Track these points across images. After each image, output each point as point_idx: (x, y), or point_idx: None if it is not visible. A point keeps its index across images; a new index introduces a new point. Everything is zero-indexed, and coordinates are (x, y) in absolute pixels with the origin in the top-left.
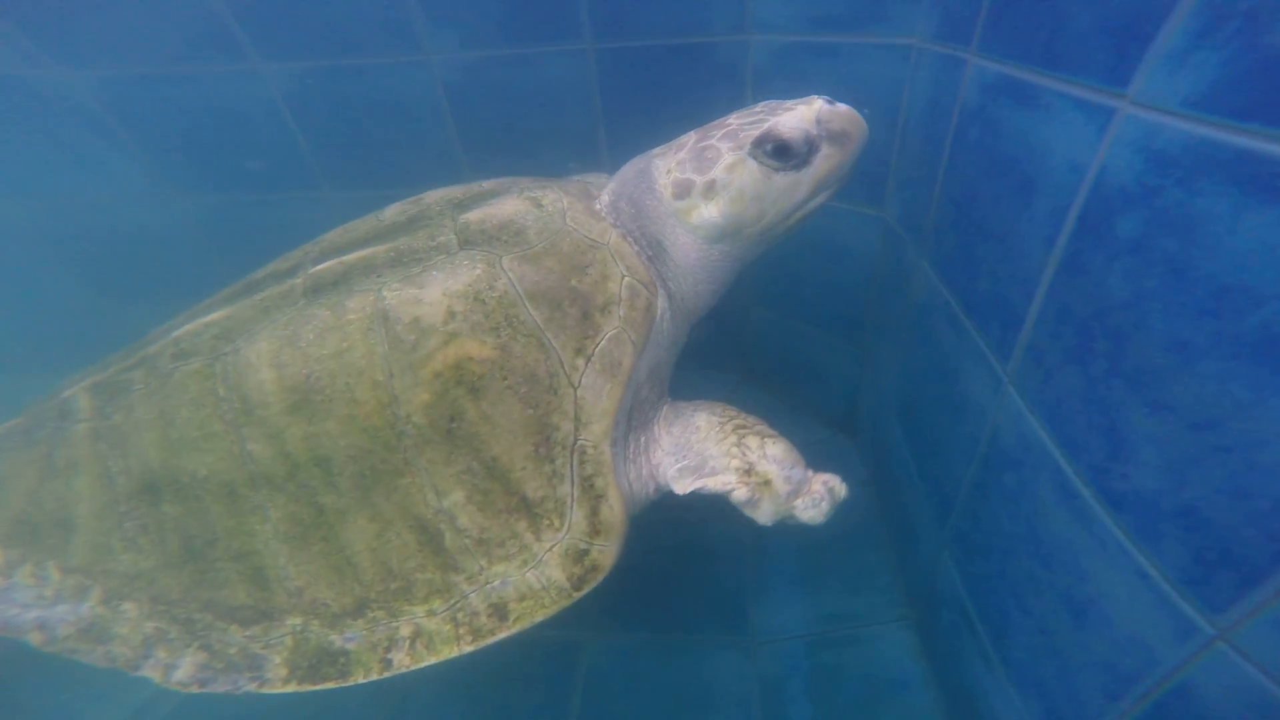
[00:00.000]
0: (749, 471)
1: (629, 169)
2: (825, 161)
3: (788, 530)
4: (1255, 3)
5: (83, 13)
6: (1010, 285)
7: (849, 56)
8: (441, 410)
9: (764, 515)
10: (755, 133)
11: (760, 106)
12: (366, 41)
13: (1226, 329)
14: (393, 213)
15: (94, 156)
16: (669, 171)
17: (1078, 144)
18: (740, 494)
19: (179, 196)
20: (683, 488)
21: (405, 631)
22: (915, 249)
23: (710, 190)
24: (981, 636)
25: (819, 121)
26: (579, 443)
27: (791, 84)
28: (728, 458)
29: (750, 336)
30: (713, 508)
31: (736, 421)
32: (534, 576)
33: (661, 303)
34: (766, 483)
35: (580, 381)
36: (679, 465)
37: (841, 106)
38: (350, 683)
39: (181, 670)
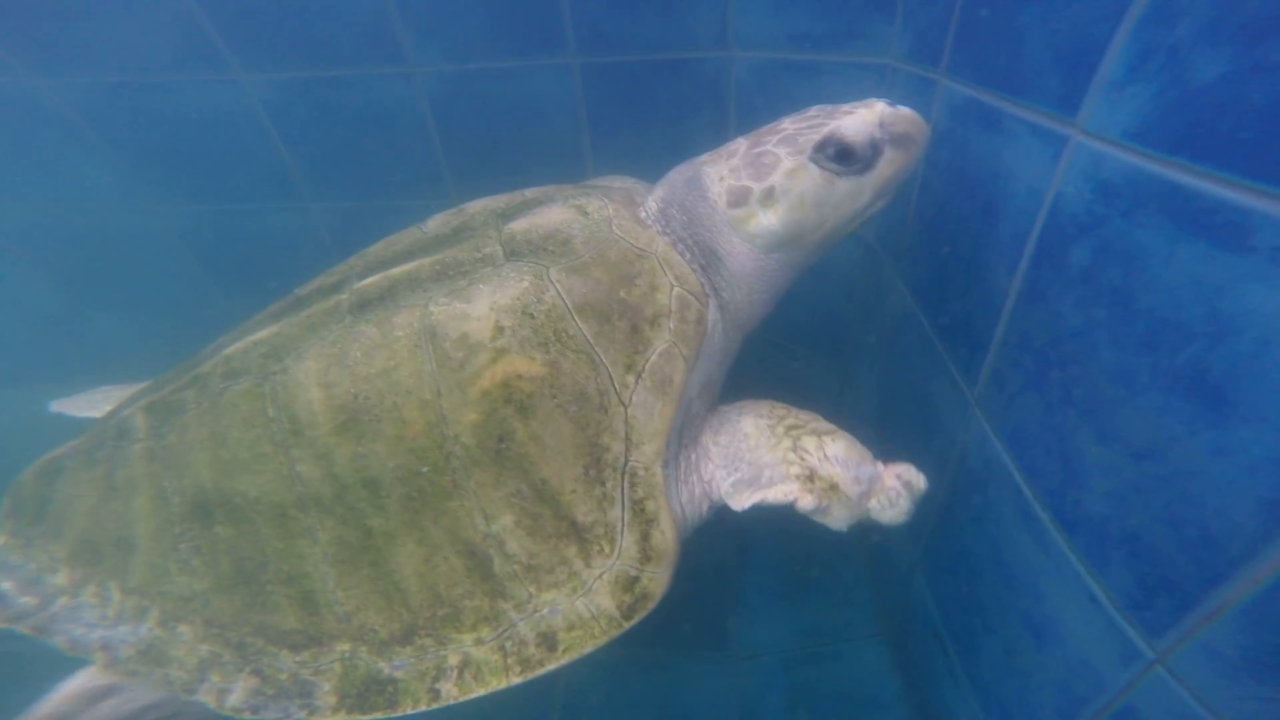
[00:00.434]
0: (812, 477)
1: (677, 175)
2: (889, 165)
3: (767, 546)
4: (1177, 39)
5: (60, 21)
6: (977, 309)
7: (828, 74)
8: (490, 430)
9: (837, 521)
10: (816, 137)
11: (813, 111)
12: (350, 53)
13: (1163, 363)
14: (435, 224)
15: (69, 165)
16: (721, 179)
17: (1036, 170)
18: (806, 503)
19: (156, 206)
20: (740, 503)
21: (453, 660)
22: (892, 269)
23: (769, 197)
24: (951, 655)
25: (882, 124)
26: (630, 464)
27: (773, 100)
28: (785, 464)
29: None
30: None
31: (788, 421)
32: (583, 605)
33: (713, 314)
34: (833, 487)
35: (631, 399)
36: (732, 479)
37: (904, 109)
38: (398, 713)
39: (235, 695)
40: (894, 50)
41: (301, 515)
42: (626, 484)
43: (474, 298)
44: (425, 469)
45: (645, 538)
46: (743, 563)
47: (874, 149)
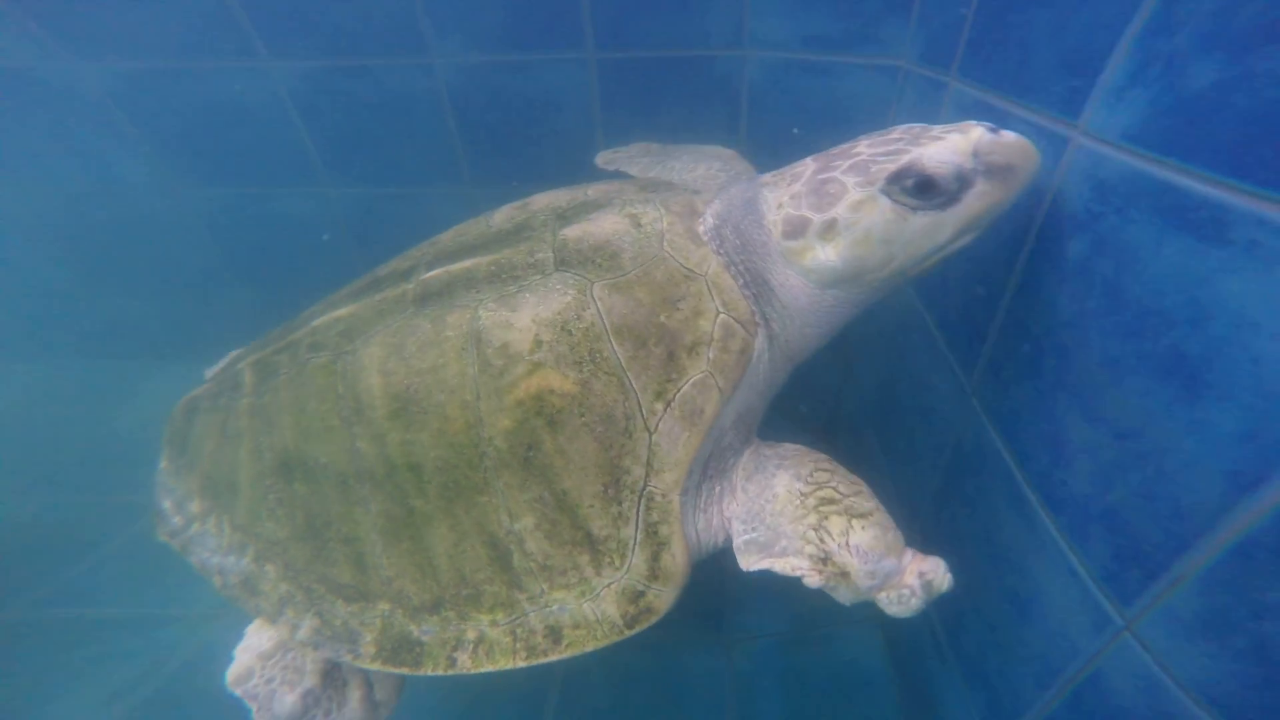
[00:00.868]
0: (826, 560)
1: (736, 194)
2: (979, 200)
3: None
4: (1174, 48)
5: (101, 6)
6: (976, 301)
7: (840, 75)
8: (520, 438)
9: (842, 598)
10: (892, 166)
11: (897, 132)
12: (374, 43)
13: (1147, 348)
14: (501, 218)
15: (97, 148)
16: (780, 206)
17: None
18: (813, 582)
19: (181, 189)
20: (747, 564)
21: (470, 635)
22: None
23: (829, 230)
24: (939, 635)
25: (976, 154)
26: (648, 489)
27: (786, 100)
28: (803, 540)
29: None
30: None
31: (823, 493)
32: (590, 608)
33: (760, 343)
34: (845, 574)
35: (657, 427)
36: (746, 536)
37: (1009, 135)
38: (421, 673)
39: (302, 630)
40: (907, 53)
41: (358, 486)
42: (643, 507)
43: (519, 306)
44: (461, 464)
45: (655, 558)
46: None
47: (961, 182)
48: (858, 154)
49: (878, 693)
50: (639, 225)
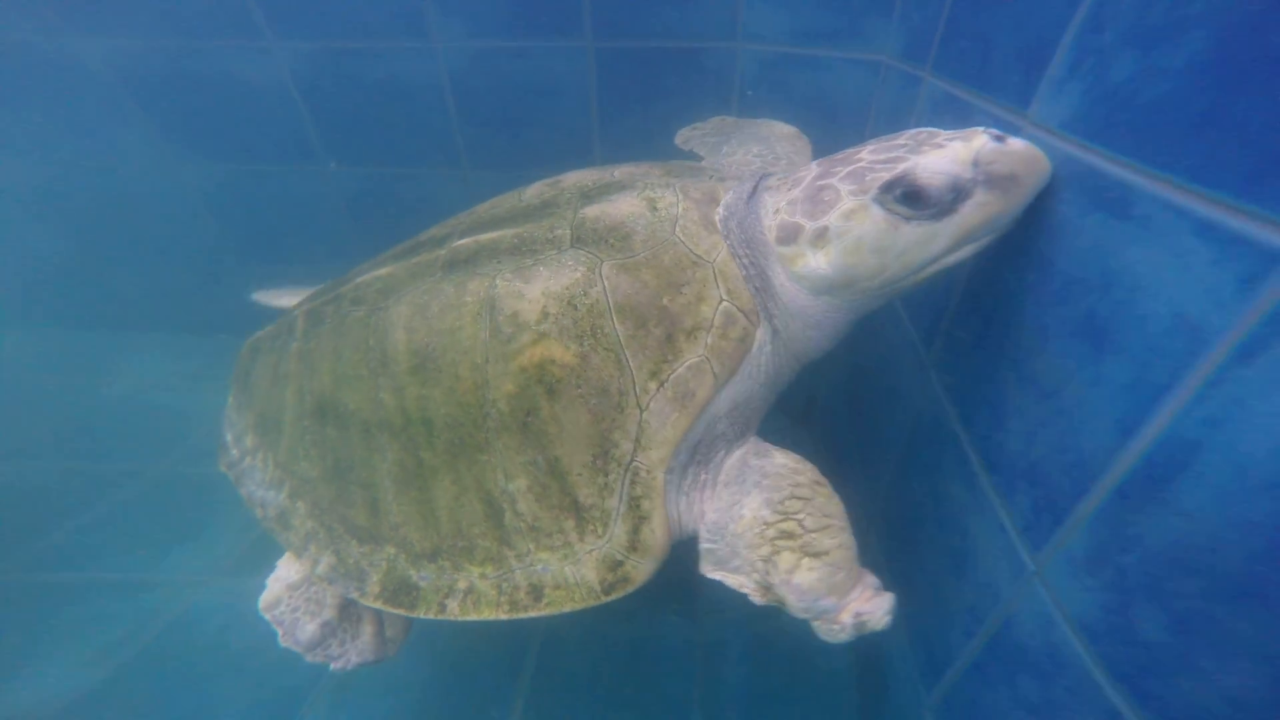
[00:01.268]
0: (768, 589)
1: (744, 190)
2: (978, 211)
3: None
4: (1103, 43)
5: None
6: (940, 281)
7: (826, 69)
8: (521, 403)
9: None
10: (886, 175)
11: (904, 137)
12: (378, 26)
13: (1068, 313)
14: (532, 193)
15: (98, 123)
16: (777, 210)
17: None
18: (756, 601)
19: (180, 165)
20: (705, 570)
21: (461, 585)
22: None
23: (820, 238)
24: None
25: (977, 163)
26: (634, 464)
27: (776, 93)
28: (750, 568)
29: None
30: None
31: (785, 526)
32: (571, 571)
33: (762, 335)
34: (782, 604)
35: (648, 405)
36: (708, 545)
37: (1015, 143)
38: (416, 615)
39: (321, 566)
40: (888, 48)
41: (379, 434)
42: (628, 480)
43: (532, 279)
44: (467, 422)
45: (635, 531)
46: None
47: (957, 192)
48: (859, 160)
49: (832, 660)
50: (655, 209)
